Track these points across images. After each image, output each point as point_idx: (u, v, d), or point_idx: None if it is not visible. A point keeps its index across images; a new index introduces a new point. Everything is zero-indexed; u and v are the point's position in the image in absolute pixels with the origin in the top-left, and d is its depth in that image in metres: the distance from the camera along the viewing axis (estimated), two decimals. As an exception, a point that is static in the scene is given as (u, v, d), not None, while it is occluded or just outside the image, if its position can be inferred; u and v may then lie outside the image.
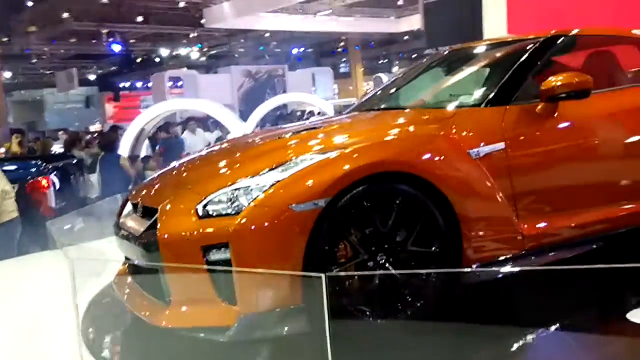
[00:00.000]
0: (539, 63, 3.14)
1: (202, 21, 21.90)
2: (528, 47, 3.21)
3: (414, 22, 22.49)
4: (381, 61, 31.94)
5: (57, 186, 7.00)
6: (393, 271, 2.54)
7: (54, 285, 3.32)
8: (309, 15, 22.98)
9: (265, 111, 10.31)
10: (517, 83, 3.01)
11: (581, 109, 2.96)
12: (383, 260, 2.57)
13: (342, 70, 31.64)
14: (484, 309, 2.83)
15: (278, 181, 2.49)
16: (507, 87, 3.01)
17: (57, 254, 3.34)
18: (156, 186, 3.08)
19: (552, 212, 2.87)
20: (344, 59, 30.81)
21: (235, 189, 2.54)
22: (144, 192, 3.06)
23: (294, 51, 28.73)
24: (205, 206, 2.53)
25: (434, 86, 3.79)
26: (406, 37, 26.85)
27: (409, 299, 2.57)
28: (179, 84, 23.77)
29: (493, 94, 2.99)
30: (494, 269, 2.68)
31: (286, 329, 2.42)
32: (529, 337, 2.55)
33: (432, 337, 2.52)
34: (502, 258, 2.75)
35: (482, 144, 2.77)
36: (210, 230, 2.45)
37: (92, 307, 3.28)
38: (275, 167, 2.59)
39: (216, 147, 3.62)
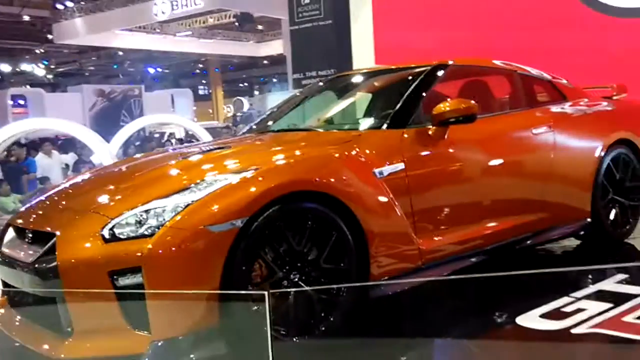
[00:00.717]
0: (428, 89, 3.38)
1: (50, 37, 20.57)
2: (418, 74, 3.45)
3: (274, 47, 22.97)
4: (241, 84, 32.08)
5: None
6: (333, 286, 2.58)
7: None
8: (168, 35, 22.52)
9: (132, 132, 9.87)
10: (412, 107, 3.22)
11: (468, 133, 3.23)
12: (297, 279, 2.59)
13: (201, 92, 31.26)
14: (386, 322, 2.95)
15: (193, 201, 2.43)
16: (403, 111, 3.20)
17: None
18: (46, 209, 2.84)
19: (446, 227, 3.08)
20: (204, 81, 30.50)
21: (145, 211, 2.44)
22: (32, 217, 2.81)
23: (151, 71, 27.88)
24: (112, 229, 2.40)
25: (333, 109, 3.93)
26: (265, 62, 27.27)
27: (322, 315, 2.61)
28: (22, 102, 21.91)
29: (391, 117, 3.17)
30: (399, 281, 2.81)
31: (202, 352, 2.35)
32: (430, 346, 2.71)
33: (337, 352, 2.57)
34: (402, 273, 2.90)
35: (384, 164, 2.92)
36: (119, 254, 2.32)
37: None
38: (187, 188, 2.52)
39: (112, 168, 3.42)
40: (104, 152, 7.85)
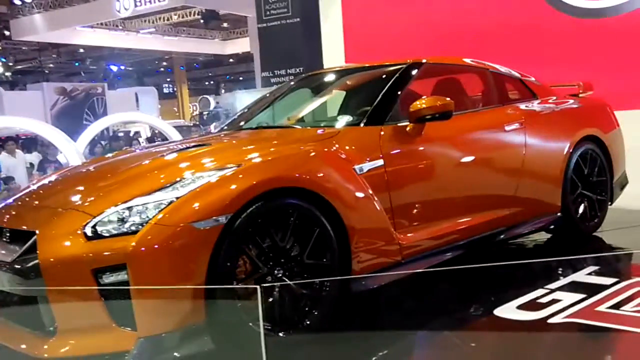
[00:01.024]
0: (404, 87, 3.43)
1: (7, 33, 20.02)
2: (393, 72, 3.49)
3: (240, 45, 22.83)
4: (207, 83, 31.79)
5: None
6: (321, 280, 2.61)
7: None
8: (130, 32, 22.16)
9: (98, 130, 9.69)
10: (389, 105, 3.26)
11: (444, 130, 3.29)
12: (280, 275, 2.60)
13: (165, 90, 30.85)
14: (367, 316, 2.99)
15: (177, 198, 2.42)
16: (380, 108, 3.24)
17: None
18: (22, 208, 2.79)
19: (424, 222, 3.14)
20: (168, 79, 30.11)
21: (127, 208, 2.42)
22: (8, 215, 2.75)
23: (114, 69, 27.39)
24: (94, 227, 2.37)
25: (309, 106, 3.94)
26: (231, 60, 27.10)
27: (306, 310, 2.63)
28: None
29: (369, 114, 3.20)
30: (381, 274, 2.85)
31: (189, 348, 2.34)
32: (413, 338, 2.77)
33: (317, 348, 2.59)
34: (382, 268, 2.94)
35: (363, 161, 2.95)
36: (103, 251, 2.30)
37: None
38: (169, 185, 2.52)
39: (85, 167, 3.36)
40: (71, 151, 7.69)
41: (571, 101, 4.38)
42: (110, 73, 27.10)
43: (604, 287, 3.02)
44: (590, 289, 3.01)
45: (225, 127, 3.91)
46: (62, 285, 2.29)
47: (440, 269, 3.00)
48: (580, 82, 4.54)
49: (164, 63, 27.94)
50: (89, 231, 2.36)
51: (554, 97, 4.28)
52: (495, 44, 6.53)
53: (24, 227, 2.55)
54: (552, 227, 3.98)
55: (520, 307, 2.87)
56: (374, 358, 2.58)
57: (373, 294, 2.91)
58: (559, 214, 3.89)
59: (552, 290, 3.04)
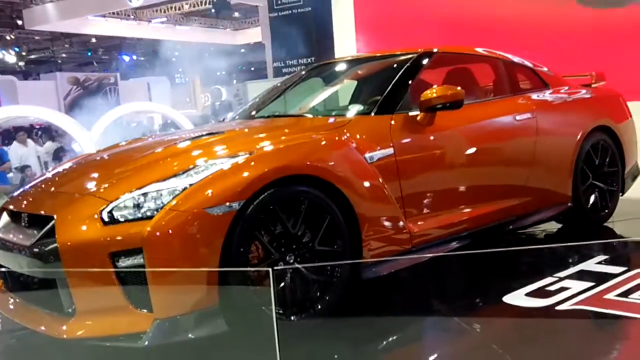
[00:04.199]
0: (415, 76, 3.45)
1: (20, 22, 20.14)
2: (404, 62, 3.51)
3: (252, 35, 22.82)
4: (218, 73, 31.77)
5: None
6: (334, 263, 2.67)
7: None
8: (142, 21, 22.22)
9: (113, 119, 9.79)
10: (400, 94, 3.29)
11: (454, 119, 3.31)
12: (292, 261, 2.65)
13: (177, 80, 30.88)
14: (377, 302, 3.03)
15: (191, 185, 2.46)
16: (391, 97, 3.26)
17: None
18: (40, 194, 2.85)
19: (435, 211, 3.17)
20: (180, 69, 30.12)
21: (142, 194, 2.47)
22: (26, 201, 2.82)
23: (126, 59, 27.47)
24: (110, 212, 2.43)
25: (321, 95, 3.97)
26: (243, 50, 27.07)
27: (317, 295, 2.67)
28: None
29: (379, 103, 3.23)
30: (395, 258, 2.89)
31: (203, 330, 2.40)
32: (422, 324, 2.81)
33: (328, 332, 2.64)
34: (392, 256, 2.98)
35: (374, 150, 2.98)
36: (119, 236, 2.36)
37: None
38: (183, 172, 2.56)
39: (100, 155, 3.42)
40: (86, 140, 7.78)
41: (583, 91, 4.37)
42: (123, 63, 27.18)
43: (613, 276, 3.04)
44: (599, 277, 3.04)
45: (240, 116, 3.95)
46: (81, 267, 2.35)
47: (449, 254, 3.04)
48: (592, 72, 4.53)
49: (176, 53, 27.95)
50: (105, 216, 2.42)
51: (566, 87, 4.28)
52: (509, 34, 6.51)
53: (42, 212, 2.61)
54: (562, 217, 3.99)
55: (528, 294, 2.90)
56: (384, 343, 2.63)
57: (383, 279, 2.95)
58: (569, 204, 3.91)
59: (561, 279, 3.07)
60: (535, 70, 4.20)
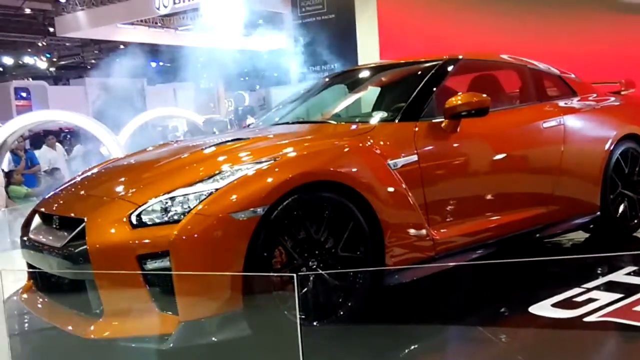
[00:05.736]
0: (440, 83, 3.44)
1: (52, 30, 20.58)
2: (429, 69, 3.50)
3: (275, 41, 22.96)
4: (242, 78, 32.01)
5: None
6: (359, 270, 2.66)
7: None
8: (169, 29, 22.53)
9: (140, 123, 9.96)
10: (424, 101, 3.28)
11: (480, 127, 3.29)
12: (315, 266, 2.65)
13: (202, 86, 31.19)
14: (401, 310, 3.02)
15: (217, 190, 2.49)
16: (415, 104, 3.26)
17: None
18: (71, 197, 2.91)
19: (459, 219, 3.15)
20: (205, 75, 30.42)
21: (170, 198, 2.50)
22: (57, 203, 2.88)
23: (153, 65, 27.86)
24: (139, 215, 2.47)
25: (344, 102, 3.98)
26: (266, 56, 27.23)
27: (340, 301, 2.67)
28: (25, 95, 21.94)
29: (404, 110, 3.23)
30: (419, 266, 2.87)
31: (227, 334, 2.42)
32: (445, 334, 2.78)
33: (351, 338, 2.64)
34: (415, 262, 2.97)
35: (398, 156, 2.98)
36: (147, 239, 2.39)
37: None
38: (209, 177, 2.59)
39: (128, 159, 3.48)
40: (113, 144, 7.92)
41: (612, 99, 4.31)
42: (150, 69, 27.57)
43: (642, 288, 2.99)
44: (628, 289, 2.98)
45: (263, 122, 3.98)
46: (109, 269, 2.40)
47: (474, 263, 3.01)
48: (622, 80, 4.46)
49: (201, 59, 28.26)
50: (134, 219, 2.46)
51: (594, 95, 4.23)
52: (534, 41, 6.45)
53: (73, 215, 2.67)
54: (590, 226, 3.93)
55: (555, 305, 2.86)
56: (405, 351, 2.61)
57: (406, 287, 2.94)
58: (597, 213, 3.85)
59: (589, 290, 3.02)
60: (562, 77, 4.16)
